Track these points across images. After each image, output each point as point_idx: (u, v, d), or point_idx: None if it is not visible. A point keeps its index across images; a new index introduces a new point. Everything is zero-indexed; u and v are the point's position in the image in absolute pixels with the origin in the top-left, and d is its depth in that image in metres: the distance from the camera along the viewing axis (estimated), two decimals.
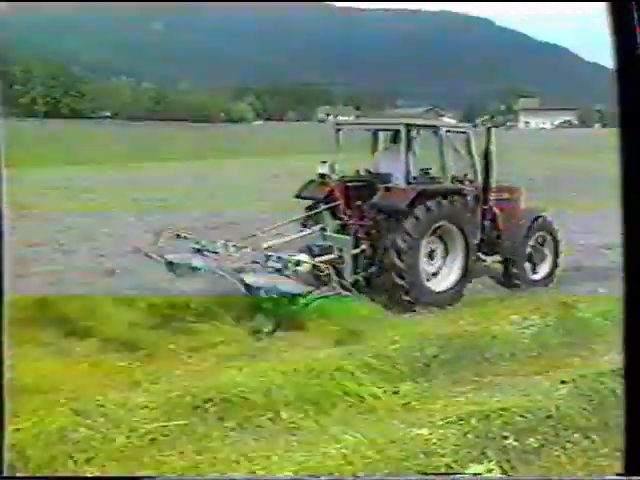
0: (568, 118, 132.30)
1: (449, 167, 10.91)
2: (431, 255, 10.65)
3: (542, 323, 9.24)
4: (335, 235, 10.70)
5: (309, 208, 11.21)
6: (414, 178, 10.85)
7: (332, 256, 10.28)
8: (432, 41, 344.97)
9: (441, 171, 10.90)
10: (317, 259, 10.00)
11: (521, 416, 6.05)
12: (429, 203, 10.24)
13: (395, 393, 7.05)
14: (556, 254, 12.28)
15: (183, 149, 51.59)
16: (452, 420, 6.00)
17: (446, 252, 10.80)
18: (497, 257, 11.92)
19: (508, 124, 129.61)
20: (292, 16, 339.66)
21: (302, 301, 9.18)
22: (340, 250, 10.38)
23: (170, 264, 9.91)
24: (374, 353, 7.80)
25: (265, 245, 10.05)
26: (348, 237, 10.56)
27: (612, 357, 7.93)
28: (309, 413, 6.42)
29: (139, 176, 32.06)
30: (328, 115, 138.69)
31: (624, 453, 3.73)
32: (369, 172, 11.48)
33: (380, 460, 5.37)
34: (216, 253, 10.10)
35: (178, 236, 10.69)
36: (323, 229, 10.75)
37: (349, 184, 11.20)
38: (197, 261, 9.89)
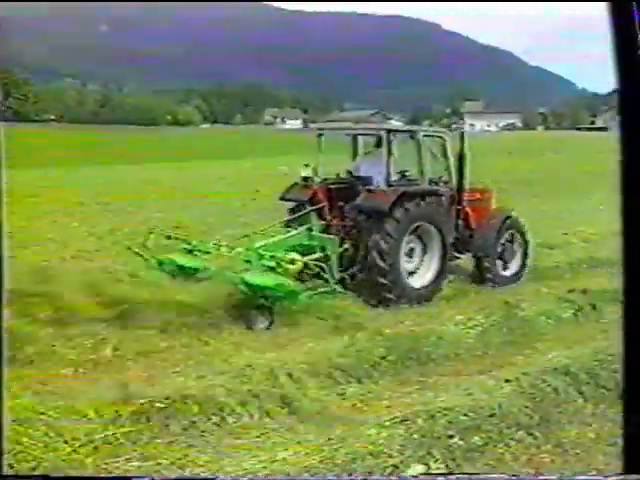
0: (512, 121, 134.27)
1: (426, 170, 11.47)
2: (410, 254, 11.08)
3: (486, 323, 9.42)
4: (321, 235, 11.07)
5: (292, 210, 11.59)
6: (394, 180, 11.24)
7: (320, 255, 10.68)
8: (380, 45, 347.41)
9: (419, 173, 11.45)
10: (306, 258, 10.44)
11: (465, 415, 6.15)
12: (409, 204, 10.73)
13: (341, 395, 7.10)
14: (525, 251, 12.80)
15: (127, 153, 50.89)
16: (398, 421, 6.06)
17: (424, 251, 11.27)
18: (469, 255, 12.42)
19: (454, 127, 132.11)
20: (241, 17, 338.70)
21: (300, 297, 9.61)
22: (325, 249, 10.79)
23: (162, 264, 10.14)
24: (323, 355, 7.84)
25: (257, 244, 10.33)
26: (333, 237, 10.96)
27: (554, 355, 8.13)
28: (254, 417, 6.42)
29: (86, 179, 31.57)
30: (275, 118, 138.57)
31: (624, 453, 3.87)
32: (350, 175, 11.94)
33: (327, 462, 5.40)
34: (208, 253, 10.44)
35: (168, 237, 10.98)
36: (310, 229, 11.11)
37: (331, 186, 11.67)
38: (191, 261, 10.17)
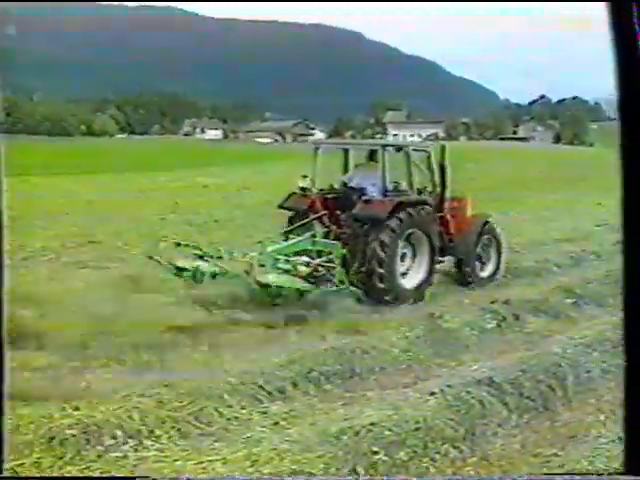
0: (435, 131, 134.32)
1: (415, 181, 12.77)
2: (402, 257, 12.33)
3: (411, 335, 9.54)
4: (325, 241, 12.15)
5: (291, 218, 12.72)
6: (388, 191, 12.48)
7: (325, 259, 11.78)
8: (302, 54, 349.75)
9: (408, 185, 12.72)
10: (314, 261, 11.61)
11: (390, 430, 6.20)
12: (403, 213, 12.01)
13: (263, 414, 7.06)
14: (499, 254, 14.19)
15: (37, 164, 49.61)
16: (323, 438, 6.06)
17: (414, 254, 12.53)
18: (451, 258, 13.56)
19: (377, 137, 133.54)
20: (163, 23, 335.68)
21: (311, 297, 10.95)
22: (329, 254, 11.88)
23: (179, 269, 11.05)
24: (246, 371, 7.80)
25: (270, 249, 11.45)
26: (336, 242, 12.10)
27: (479, 367, 8.30)
28: (174, 439, 6.33)
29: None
30: (195, 128, 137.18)
31: (624, 453, 3.98)
32: (344, 185, 13.13)
33: None
34: (220, 258, 11.32)
35: (178, 244, 11.95)
36: (313, 235, 12.12)
37: (328, 196, 12.92)
38: (205, 265, 11.09)
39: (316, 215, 12.56)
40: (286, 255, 11.44)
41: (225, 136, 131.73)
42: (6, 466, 5.41)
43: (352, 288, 11.53)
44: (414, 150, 13.12)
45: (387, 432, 6.16)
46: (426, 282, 12.52)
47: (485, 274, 13.83)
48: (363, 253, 11.88)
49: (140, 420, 6.44)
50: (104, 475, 5.38)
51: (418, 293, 12.29)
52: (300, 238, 12.02)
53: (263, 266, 10.88)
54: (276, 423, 6.84)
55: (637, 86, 3.66)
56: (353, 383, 8.09)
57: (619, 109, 3.76)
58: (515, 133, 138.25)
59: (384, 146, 12.80)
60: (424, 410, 6.71)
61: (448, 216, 13.34)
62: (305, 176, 12.99)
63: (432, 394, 7.12)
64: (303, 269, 11.24)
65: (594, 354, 8.78)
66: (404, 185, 12.76)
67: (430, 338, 9.56)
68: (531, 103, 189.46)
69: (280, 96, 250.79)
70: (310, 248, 11.90)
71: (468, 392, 7.17)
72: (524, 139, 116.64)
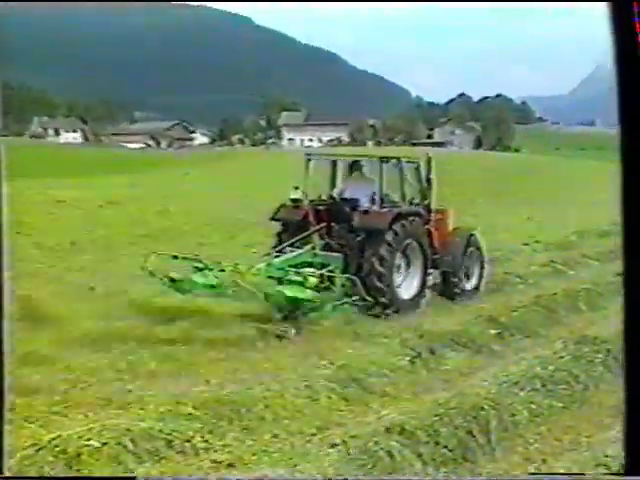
0: (338, 134, 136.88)
1: (407, 193, 14.71)
2: (397, 268, 14.20)
3: (312, 376, 9.54)
4: (326, 253, 13.98)
5: (281, 232, 14.46)
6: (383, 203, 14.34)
7: (324, 271, 13.09)
8: (180, 42, 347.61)
9: (401, 196, 14.65)
10: (317, 272, 12.89)
11: None
12: (399, 225, 13.90)
13: None
14: (481, 267, 16.28)
15: None
16: None
17: (408, 265, 14.46)
18: (436, 270, 15.25)
19: (269, 142, 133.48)
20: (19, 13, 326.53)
21: (325, 308, 12.53)
22: (329, 266, 13.38)
23: (173, 281, 12.62)
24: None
25: (277, 261, 13.17)
26: (338, 255, 13.92)
27: (388, 412, 8.39)
28: (129, 467, 6.62)
29: None
30: (46, 129, 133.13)
31: (624, 453, 4.26)
32: (332, 197, 15.00)
33: None
34: (222, 271, 12.74)
35: (175, 257, 13.10)
36: (313, 248, 13.95)
37: (320, 208, 14.74)
38: (211, 279, 12.48)
39: (316, 227, 14.36)
40: (290, 267, 12.89)
41: (85, 139, 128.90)
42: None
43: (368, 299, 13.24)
44: (407, 162, 14.97)
45: None
46: (421, 292, 14.51)
47: (469, 287, 15.89)
48: (358, 265, 13.81)
49: None
50: (104, 475, 5.93)
51: (414, 303, 14.27)
52: (301, 251, 13.84)
53: (272, 278, 12.62)
54: None
55: (637, 86, 4.03)
56: (244, 434, 8.04)
57: (619, 109, 4.09)
58: (430, 137, 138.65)
59: (381, 159, 14.64)
60: (325, 464, 6.75)
61: (432, 228, 15.14)
62: (297, 187, 14.75)
63: (334, 446, 7.17)
64: (313, 280, 12.46)
65: (521, 394, 9.03)
66: (394, 197, 14.63)
67: (333, 378, 9.59)
68: (448, 102, 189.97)
69: (153, 92, 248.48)
70: (310, 261, 13.56)
71: (376, 442, 7.25)
72: (440, 144, 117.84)
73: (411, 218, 14.30)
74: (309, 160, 15.02)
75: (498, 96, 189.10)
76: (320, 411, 8.85)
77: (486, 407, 8.41)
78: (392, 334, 11.66)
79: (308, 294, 12.30)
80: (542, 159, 78.15)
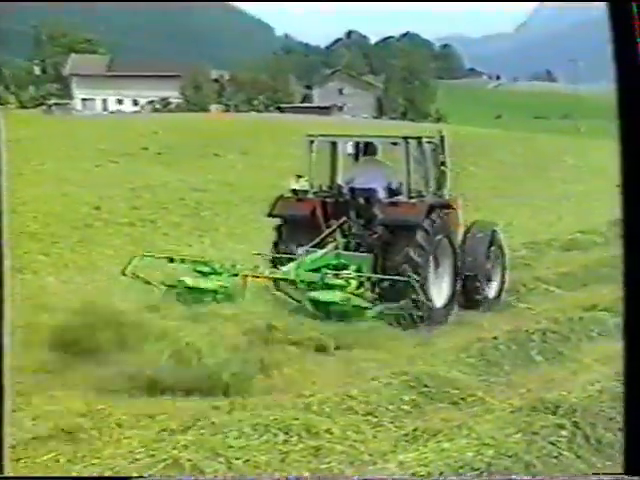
0: (165, 93, 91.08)
1: (431, 180, 12.54)
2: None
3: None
4: (353, 254, 12.05)
5: (281, 227, 12.45)
6: (400, 191, 12.36)
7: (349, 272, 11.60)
8: None
9: (425, 184, 12.45)
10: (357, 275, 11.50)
11: None
12: (433, 218, 11.89)
13: None
14: (504, 269, 13.86)
15: None
16: None
17: (436, 266, 12.22)
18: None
19: (51, 102, 79.41)
20: None
21: (370, 314, 11.00)
22: (359, 268, 11.70)
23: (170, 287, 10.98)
24: None
25: (308, 262, 11.58)
26: (367, 255, 11.94)
27: None
28: None
29: None
30: None
31: (624, 453, 4.26)
32: (338, 187, 12.82)
33: None
34: (235, 276, 11.26)
35: (170, 260, 11.77)
36: (337, 247, 12.09)
37: (327, 200, 12.61)
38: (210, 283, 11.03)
39: (339, 223, 12.33)
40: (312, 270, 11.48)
41: None
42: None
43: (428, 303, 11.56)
44: (428, 143, 12.77)
45: None
46: (452, 299, 12.37)
47: (492, 294, 13.51)
48: (383, 267, 11.86)
49: None
50: (104, 475, 5.75)
51: (446, 311, 12.18)
52: (324, 251, 11.98)
53: (304, 282, 11.11)
54: None
55: (637, 86, 4.07)
56: None
57: (618, 109, 4.13)
58: (307, 99, 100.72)
59: (406, 138, 12.48)
60: None
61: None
62: (299, 176, 12.80)
63: None
64: (354, 284, 11.24)
65: None
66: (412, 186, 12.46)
67: None
68: (332, 45, 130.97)
69: None
70: (334, 263, 11.80)
71: None
72: (324, 110, 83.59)
73: (444, 211, 12.40)
74: (312, 142, 12.85)
75: (405, 35, 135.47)
76: None
77: None
78: None
79: (354, 299, 11.01)
80: (477, 133, 54.76)
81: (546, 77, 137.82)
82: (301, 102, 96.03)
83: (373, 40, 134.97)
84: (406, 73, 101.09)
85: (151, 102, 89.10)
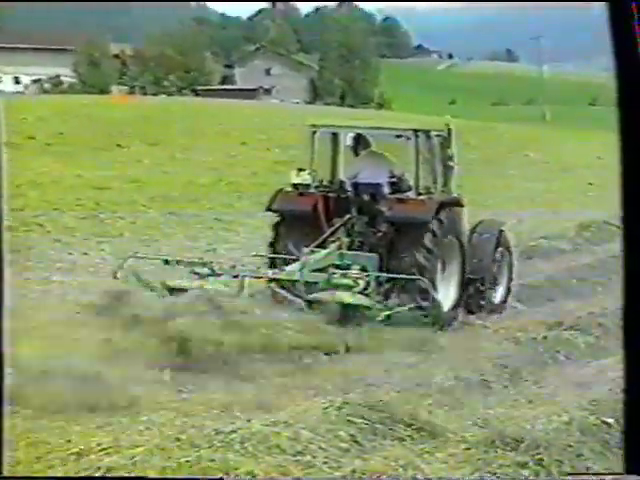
0: (53, 70, 74.78)
1: (440, 176, 12.02)
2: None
3: None
4: (358, 253, 11.49)
5: (279, 224, 11.85)
6: (403, 187, 11.83)
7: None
8: None
9: (432, 180, 11.91)
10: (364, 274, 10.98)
11: None
12: (440, 217, 11.34)
13: None
14: (510, 272, 13.32)
15: None
16: None
17: (443, 267, 11.74)
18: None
19: None
20: None
21: (382, 314, 10.44)
22: (364, 269, 11.10)
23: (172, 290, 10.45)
24: None
25: (312, 262, 11.00)
26: (373, 254, 11.38)
27: None
28: None
29: None
30: None
31: (624, 453, 4.30)
32: (340, 182, 12.23)
33: None
34: (235, 277, 10.78)
35: (166, 262, 11.21)
36: (340, 247, 11.49)
37: (329, 195, 12.02)
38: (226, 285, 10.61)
39: (343, 220, 11.77)
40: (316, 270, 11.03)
41: None
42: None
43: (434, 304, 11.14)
44: (437, 136, 12.26)
45: None
46: (459, 302, 12.00)
47: (497, 299, 12.96)
48: (388, 266, 11.34)
49: None
50: (103, 475, 5.63)
51: (453, 315, 11.82)
52: (328, 250, 11.41)
53: (309, 283, 10.72)
54: None
55: (637, 86, 4.14)
56: None
57: (618, 109, 4.19)
58: (227, 80, 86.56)
59: (416, 131, 11.89)
60: None
61: None
62: (301, 169, 12.04)
63: None
64: (362, 283, 10.74)
65: None
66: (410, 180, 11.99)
67: None
68: (255, 16, 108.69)
69: None
70: (338, 263, 11.20)
71: None
72: (248, 92, 74.65)
73: (453, 209, 11.87)
74: (314, 132, 12.28)
75: (342, 5, 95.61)
76: None
77: None
78: None
79: (364, 300, 10.56)
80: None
81: (506, 57, 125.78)
82: (221, 83, 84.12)
83: (304, 11, 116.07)
84: (344, 51, 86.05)
85: (37, 81, 74.02)
